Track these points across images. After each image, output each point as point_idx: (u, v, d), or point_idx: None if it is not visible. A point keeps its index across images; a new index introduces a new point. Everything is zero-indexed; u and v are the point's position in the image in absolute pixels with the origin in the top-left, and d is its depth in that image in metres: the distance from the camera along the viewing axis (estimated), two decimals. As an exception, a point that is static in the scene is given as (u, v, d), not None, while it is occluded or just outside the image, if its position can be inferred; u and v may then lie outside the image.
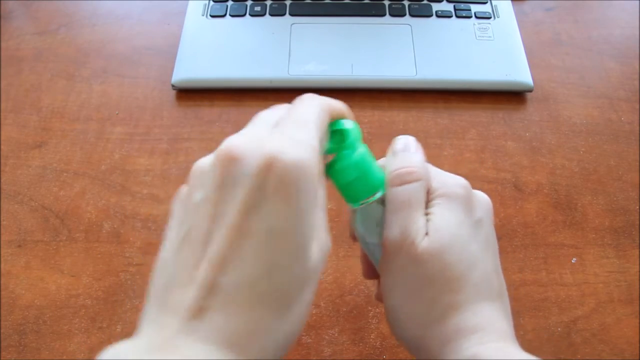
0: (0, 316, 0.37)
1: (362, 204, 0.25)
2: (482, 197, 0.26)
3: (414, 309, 0.24)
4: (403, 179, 0.25)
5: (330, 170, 0.25)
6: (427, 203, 0.25)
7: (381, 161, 0.27)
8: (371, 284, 0.38)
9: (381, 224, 0.25)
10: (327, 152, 0.24)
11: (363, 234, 0.27)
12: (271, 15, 0.52)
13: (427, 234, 0.24)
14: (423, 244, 0.23)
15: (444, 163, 0.44)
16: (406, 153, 0.26)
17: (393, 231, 0.24)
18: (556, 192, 0.43)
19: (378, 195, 0.25)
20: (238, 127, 0.52)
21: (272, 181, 0.18)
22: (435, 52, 0.49)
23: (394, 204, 0.24)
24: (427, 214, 0.25)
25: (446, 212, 0.24)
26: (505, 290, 0.26)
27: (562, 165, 0.44)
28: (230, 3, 0.53)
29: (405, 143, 0.27)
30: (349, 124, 0.25)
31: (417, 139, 0.27)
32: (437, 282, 0.23)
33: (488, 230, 0.26)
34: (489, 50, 0.50)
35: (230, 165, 0.20)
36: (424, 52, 0.49)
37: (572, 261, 0.39)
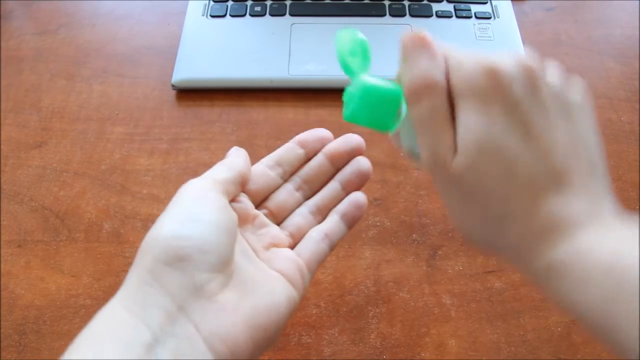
0: (0, 316, 0.37)
1: (395, 128, 0.25)
2: (516, 67, 0.22)
3: (473, 223, 0.23)
4: (419, 96, 0.22)
5: (347, 115, 0.25)
6: (453, 107, 0.22)
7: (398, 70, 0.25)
8: (371, 284, 0.38)
9: None
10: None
11: (411, 151, 0.25)
12: (271, 15, 0.52)
13: (456, 150, 0.22)
14: (454, 163, 0.22)
15: (444, 163, 0.44)
16: (417, 56, 0.23)
17: (424, 154, 0.23)
18: (556, 192, 0.43)
19: (403, 114, 0.24)
20: (238, 127, 0.52)
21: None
22: (435, 52, 0.49)
23: (417, 124, 0.23)
24: (454, 122, 0.22)
25: (471, 116, 0.21)
26: (590, 158, 0.22)
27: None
28: (230, 3, 0.53)
29: (413, 41, 0.23)
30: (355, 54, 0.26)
31: (426, 31, 0.24)
32: (480, 197, 0.22)
33: (529, 104, 0.22)
34: (489, 51, 0.49)
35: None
36: (424, 52, 0.49)
37: (572, 261, 0.39)
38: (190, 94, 0.49)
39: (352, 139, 0.30)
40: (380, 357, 0.36)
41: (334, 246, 0.29)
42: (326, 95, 0.49)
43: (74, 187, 0.43)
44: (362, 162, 0.30)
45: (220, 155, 0.45)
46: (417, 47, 0.23)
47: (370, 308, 0.38)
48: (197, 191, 0.25)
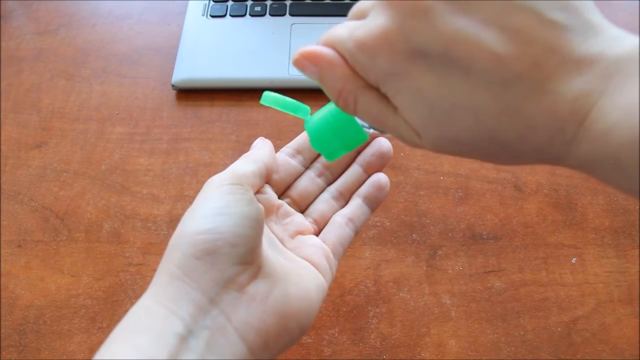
0: (0, 316, 0.37)
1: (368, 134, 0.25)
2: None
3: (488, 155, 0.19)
4: (347, 103, 0.21)
5: (330, 157, 0.26)
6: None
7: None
8: (371, 284, 0.38)
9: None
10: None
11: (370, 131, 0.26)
12: (271, 15, 0.52)
13: (418, 134, 0.20)
14: (425, 144, 0.20)
15: (444, 163, 0.44)
16: (319, 72, 0.22)
17: (399, 139, 0.21)
18: (556, 192, 0.43)
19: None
20: (238, 127, 0.52)
21: None
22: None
23: (370, 123, 0.22)
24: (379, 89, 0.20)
25: (399, 93, 0.19)
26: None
27: (562, 165, 0.44)
28: (230, 3, 0.53)
29: (302, 64, 0.23)
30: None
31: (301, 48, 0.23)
32: (475, 146, 0.19)
33: (425, 41, 0.18)
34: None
35: None
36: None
37: (572, 261, 0.39)
38: (190, 94, 0.49)
39: None
40: (380, 357, 0.36)
41: (358, 230, 0.29)
42: (326, 95, 0.49)
43: (74, 187, 0.43)
44: (382, 143, 0.30)
45: (220, 155, 0.45)
46: (311, 67, 0.22)
47: (370, 308, 0.38)
48: (222, 185, 0.25)
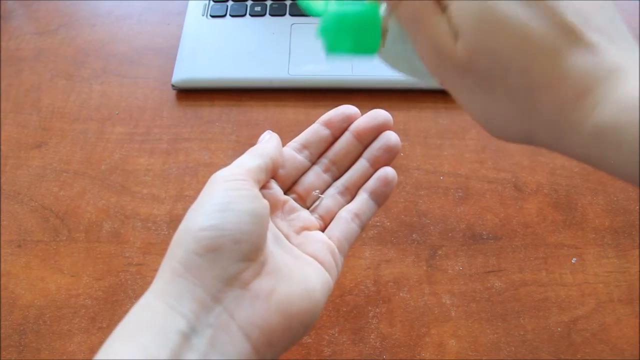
0: (0, 316, 0.37)
1: (380, 48, 0.23)
2: None
3: (498, 112, 0.21)
4: None
5: (329, 49, 0.24)
6: None
7: None
8: (371, 284, 0.38)
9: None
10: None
11: (407, 67, 0.25)
12: (271, 15, 0.52)
13: (457, 36, 0.20)
14: (459, 49, 0.20)
15: (444, 163, 0.44)
16: None
17: (424, 53, 0.22)
18: (556, 192, 0.43)
19: (390, 29, 0.23)
20: (238, 127, 0.52)
21: None
22: (435, 52, 0.49)
23: (407, 25, 0.21)
24: (444, 9, 0.20)
25: None
26: (603, 6, 0.21)
27: (562, 165, 0.44)
28: (230, 3, 0.53)
29: None
30: None
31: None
32: (498, 78, 0.20)
33: None
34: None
35: None
36: (424, 52, 0.49)
37: (572, 261, 0.39)
38: (190, 94, 0.49)
39: (379, 115, 0.29)
40: (380, 357, 0.36)
41: (364, 225, 0.29)
42: (326, 95, 0.49)
43: (74, 187, 0.43)
44: (390, 137, 0.29)
45: (220, 155, 0.45)
46: None
47: (370, 308, 0.38)
48: (226, 181, 0.25)
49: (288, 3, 0.53)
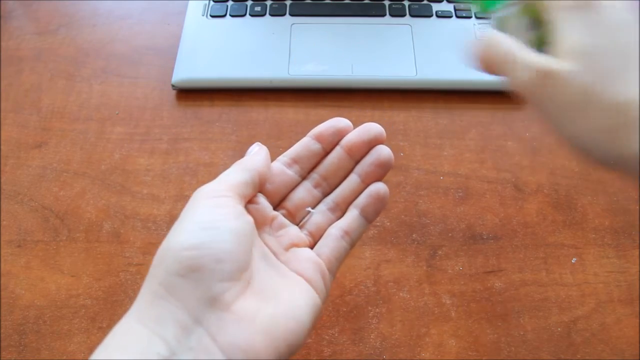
0: (0, 316, 0.37)
1: (497, 10, 0.26)
2: None
3: (589, 132, 0.23)
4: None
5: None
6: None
7: None
8: (371, 284, 0.38)
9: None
10: None
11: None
12: (271, 15, 0.52)
13: (563, 54, 0.23)
14: (565, 66, 0.22)
15: (444, 163, 0.44)
16: None
17: (532, 63, 0.24)
18: (556, 192, 0.43)
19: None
20: (238, 127, 0.52)
21: None
22: (435, 52, 0.49)
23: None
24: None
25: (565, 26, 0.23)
26: None
27: (562, 165, 0.44)
28: (230, 3, 0.53)
29: None
30: None
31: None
32: (598, 96, 0.22)
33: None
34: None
35: None
36: (424, 52, 0.49)
37: (572, 261, 0.39)
38: (190, 94, 0.49)
39: (371, 129, 0.28)
40: (380, 357, 0.36)
41: (354, 242, 0.28)
42: (326, 95, 0.49)
43: (74, 187, 0.43)
44: (381, 152, 0.28)
45: (220, 155, 0.45)
46: None
47: (370, 308, 0.38)
48: (210, 197, 0.24)
49: (288, 3, 0.53)
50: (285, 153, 0.29)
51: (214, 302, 0.21)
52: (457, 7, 0.53)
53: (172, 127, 0.47)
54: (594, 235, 0.41)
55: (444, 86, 0.48)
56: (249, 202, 0.26)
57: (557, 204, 0.42)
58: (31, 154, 0.46)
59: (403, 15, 0.52)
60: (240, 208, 0.24)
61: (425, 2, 0.53)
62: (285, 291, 0.24)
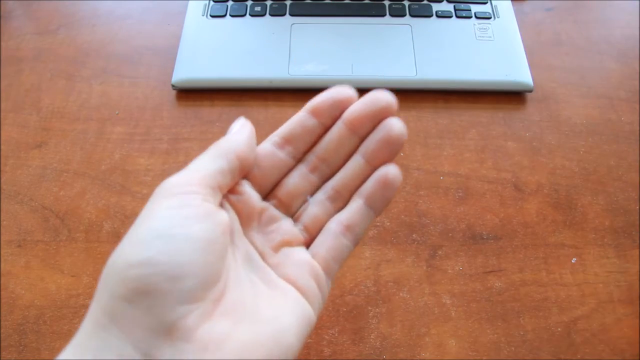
0: (0, 316, 0.37)
1: None
2: None
3: None
4: None
5: None
6: None
7: None
8: (371, 284, 0.38)
9: None
10: None
11: None
12: (271, 15, 0.52)
13: None
14: None
15: (444, 163, 0.44)
16: None
17: None
18: (556, 192, 0.43)
19: None
20: (238, 127, 0.51)
21: None
22: (435, 52, 0.49)
23: None
24: None
25: None
26: None
27: (562, 165, 0.44)
28: (230, 3, 0.53)
29: None
30: None
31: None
32: None
33: None
34: (489, 51, 0.50)
35: None
36: (424, 52, 0.49)
37: (572, 261, 0.39)
38: (190, 94, 0.49)
39: (379, 99, 0.23)
40: (380, 357, 0.36)
41: (358, 239, 0.24)
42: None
43: (74, 187, 0.43)
44: (391, 126, 0.23)
45: (220, 155, 0.45)
46: None
47: (370, 308, 0.38)
48: (171, 195, 0.20)
49: (288, 3, 0.53)
50: (275, 132, 0.25)
51: (169, 332, 0.17)
52: (457, 7, 0.53)
53: (172, 127, 0.47)
54: (594, 235, 0.41)
55: (444, 86, 0.48)
56: (230, 192, 0.22)
57: (557, 204, 0.42)
58: (31, 154, 0.46)
59: (403, 15, 0.52)
60: (208, 206, 0.20)
61: (425, 2, 0.53)
62: (269, 305, 0.20)
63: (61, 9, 0.57)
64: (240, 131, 0.23)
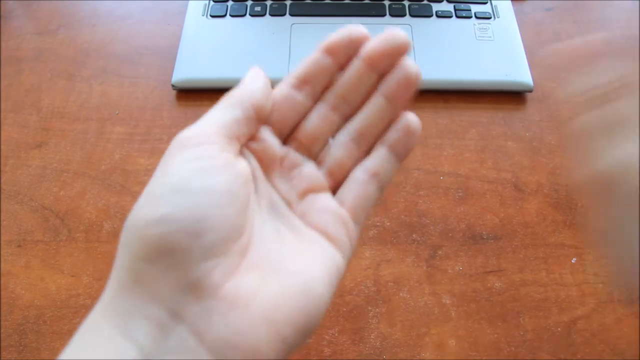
0: (0, 316, 0.37)
1: None
2: None
3: None
4: None
5: None
6: None
7: None
8: (371, 284, 0.38)
9: None
10: None
11: None
12: (271, 15, 0.52)
13: None
14: None
15: (444, 163, 0.44)
16: None
17: None
18: (556, 192, 0.43)
19: None
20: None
21: None
22: (435, 52, 0.49)
23: None
24: None
25: None
26: None
27: (562, 165, 0.44)
28: (230, 3, 0.53)
29: None
30: None
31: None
32: None
33: None
34: (489, 51, 0.50)
35: None
36: (424, 52, 0.49)
37: (572, 261, 0.39)
38: (190, 94, 0.49)
39: (396, 36, 0.23)
40: (380, 357, 0.36)
41: (384, 186, 0.23)
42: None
43: (74, 187, 0.43)
44: (409, 67, 0.23)
45: (220, 155, 0.45)
46: None
47: (370, 308, 0.38)
48: (186, 147, 0.19)
49: (288, 3, 0.53)
50: (292, 73, 0.24)
51: (195, 289, 0.17)
52: (457, 7, 0.53)
53: (172, 127, 0.47)
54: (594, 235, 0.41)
55: (443, 86, 0.48)
56: (250, 140, 0.22)
57: (557, 204, 0.42)
58: (31, 154, 0.46)
59: (403, 15, 0.52)
60: (226, 156, 0.19)
61: (425, 2, 0.53)
62: (297, 255, 0.20)
63: (61, 9, 0.57)
64: (254, 80, 0.23)
